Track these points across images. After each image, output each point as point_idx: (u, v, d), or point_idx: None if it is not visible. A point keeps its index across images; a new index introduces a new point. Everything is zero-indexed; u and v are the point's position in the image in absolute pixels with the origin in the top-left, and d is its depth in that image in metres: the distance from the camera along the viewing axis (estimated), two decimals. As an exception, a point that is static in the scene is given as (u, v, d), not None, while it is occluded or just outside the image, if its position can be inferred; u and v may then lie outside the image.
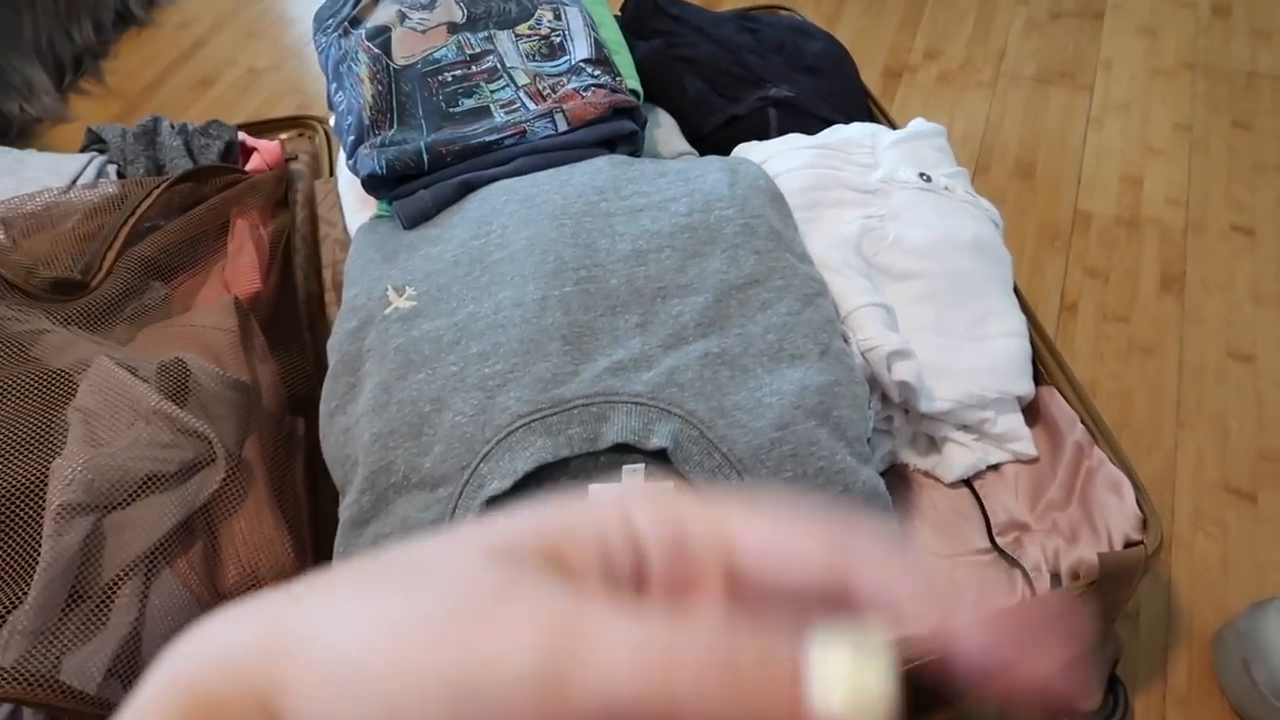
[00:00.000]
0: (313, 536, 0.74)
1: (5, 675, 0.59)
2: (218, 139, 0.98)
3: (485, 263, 0.67)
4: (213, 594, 0.67)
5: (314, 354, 0.89)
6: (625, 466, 0.59)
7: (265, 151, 1.00)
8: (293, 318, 0.91)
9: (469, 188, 0.73)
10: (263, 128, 1.08)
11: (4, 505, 0.62)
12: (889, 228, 0.82)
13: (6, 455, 0.64)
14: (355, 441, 0.62)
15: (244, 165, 1.00)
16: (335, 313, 0.88)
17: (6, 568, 0.61)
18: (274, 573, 0.69)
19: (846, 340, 0.73)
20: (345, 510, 0.62)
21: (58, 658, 0.62)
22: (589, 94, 0.76)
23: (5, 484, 0.62)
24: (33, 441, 0.65)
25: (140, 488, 0.66)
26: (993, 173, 1.25)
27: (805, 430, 0.62)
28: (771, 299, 0.67)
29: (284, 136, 1.09)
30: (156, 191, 0.86)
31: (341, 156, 0.84)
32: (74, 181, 0.93)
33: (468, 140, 0.74)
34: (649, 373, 0.62)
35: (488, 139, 0.74)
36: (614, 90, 0.78)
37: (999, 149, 1.28)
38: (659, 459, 0.60)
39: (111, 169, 0.96)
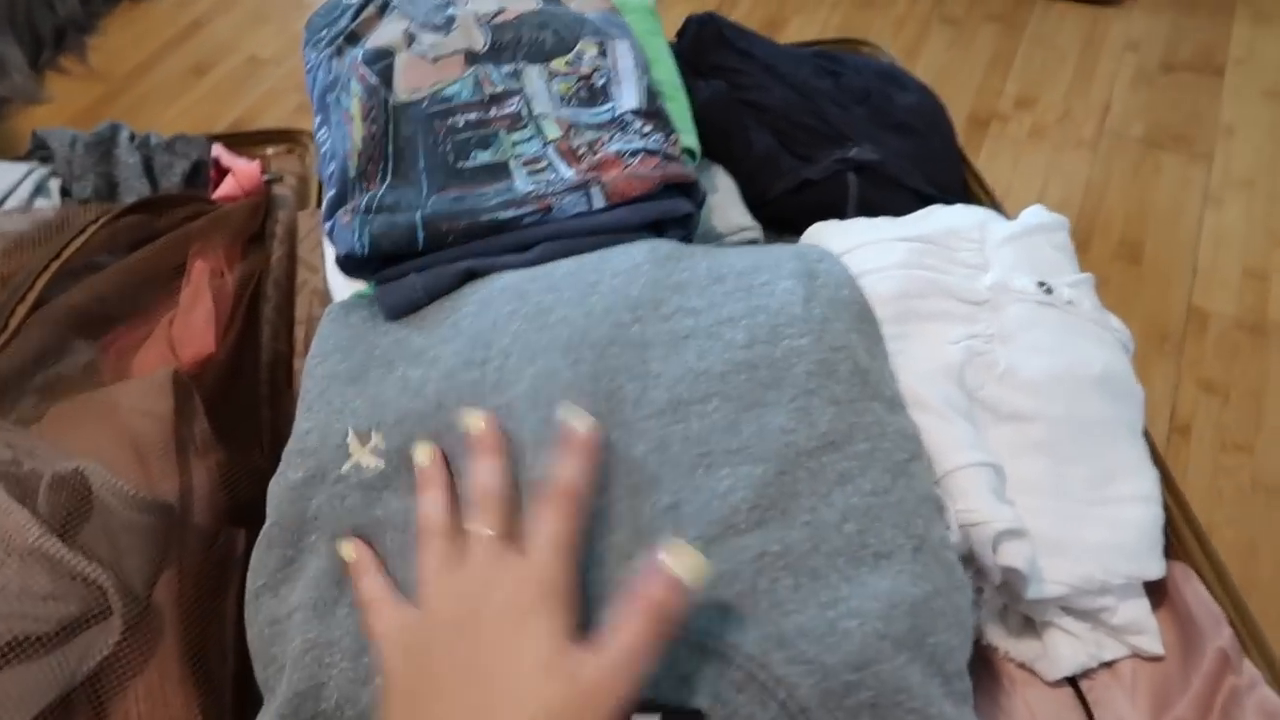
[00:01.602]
0: (236, 704, 0.58)
1: None
2: (183, 157, 0.82)
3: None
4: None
5: (271, 438, 0.72)
6: (635, 716, 0.43)
7: (241, 174, 0.84)
8: (250, 389, 0.75)
9: (472, 275, 0.57)
10: (244, 140, 0.92)
11: None
12: (999, 353, 0.65)
13: None
14: (284, 641, 0.46)
15: (214, 190, 0.84)
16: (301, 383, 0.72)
17: None
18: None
19: (941, 509, 0.56)
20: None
21: None
22: (635, 162, 0.59)
23: None
24: None
25: (5, 654, 0.50)
26: (1093, 251, 1.07)
27: (892, 670, 0.45)
28: (853, 470, 0.50)
29: (269, 152, 0.93)
30: (93, 227, 0.70)
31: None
32: (4, 198, 0.77)
33: (477, 216, 0.57)
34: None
35: (503, 215, 0.57)
36: (668, 158, 0.61)
37: (1101, 222, 1.10)
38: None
39: (54, 184, 0.80)
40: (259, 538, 0.51)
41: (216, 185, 0.84)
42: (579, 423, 0.46)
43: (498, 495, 0.46)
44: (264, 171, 0.86)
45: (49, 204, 0.78)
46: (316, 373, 0.56)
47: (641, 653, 0.38)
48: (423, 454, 0.49)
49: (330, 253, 0.75)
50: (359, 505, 0.48)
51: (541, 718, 0.36)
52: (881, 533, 0.49)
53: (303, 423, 0.53)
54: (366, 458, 0.50)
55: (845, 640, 0.45)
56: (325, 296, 0.77)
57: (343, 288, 0.68)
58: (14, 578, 0.51)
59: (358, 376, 0.54)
